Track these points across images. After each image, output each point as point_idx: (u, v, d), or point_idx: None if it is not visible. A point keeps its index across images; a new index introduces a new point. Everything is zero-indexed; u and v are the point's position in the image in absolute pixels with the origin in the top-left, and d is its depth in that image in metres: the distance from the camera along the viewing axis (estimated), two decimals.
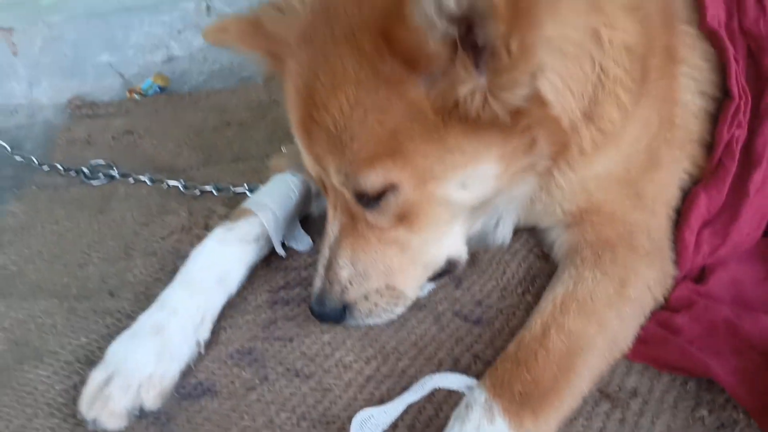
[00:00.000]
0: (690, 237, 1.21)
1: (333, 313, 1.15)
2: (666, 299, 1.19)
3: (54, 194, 1.69)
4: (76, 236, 1.52)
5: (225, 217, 1.48)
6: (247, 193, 1.59)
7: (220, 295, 1.22)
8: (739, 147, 1.24)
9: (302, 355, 1.18)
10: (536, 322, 1.10)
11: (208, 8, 2.17)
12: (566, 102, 1.03)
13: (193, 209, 1.54)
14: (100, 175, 1.74)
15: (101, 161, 1.78)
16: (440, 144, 1.00)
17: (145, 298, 1.30)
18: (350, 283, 1.13)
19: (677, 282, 1.21)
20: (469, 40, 0.89)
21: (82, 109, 2.07)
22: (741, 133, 1.24)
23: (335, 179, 1.08)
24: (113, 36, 2.12)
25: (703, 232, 1.23)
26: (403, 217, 1.08)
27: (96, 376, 1.07)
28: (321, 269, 1.16)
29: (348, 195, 1.09)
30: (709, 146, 1.27)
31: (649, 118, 1.18)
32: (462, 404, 1.01)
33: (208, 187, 1.64)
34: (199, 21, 2.17)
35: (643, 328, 1.14)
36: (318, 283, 1.16)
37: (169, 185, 1.67)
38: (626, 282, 1.14)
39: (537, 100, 0.98)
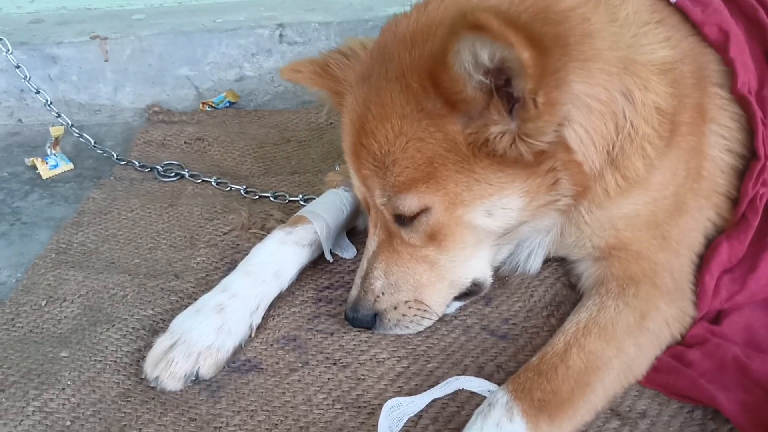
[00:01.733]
0: (710, 281, 1.28)
1: (365, 320, 1.27)
2: (683, 336, 1.26)
3: (130, 186, 1.87)
4: (147, 224, 1.69)
5: (280, 221, 1.64)
6: (301, 202, 1.75)
7: (274, 287, 1.36)
8: (762, 204, 1.31)
9: (341, 347, 1.30)
10: (559, 340, 1.19)
11: (281, 36, 2.36)
12: (588, 152, 1.15)
13: (252, 211, 1.70)
14: (172, 173, 1.91)
15: (174, 162, 1.96)
16: (470, 174, 1.13)
17: (206, 282, 1.46)
18: (382, 294, 1.26)
19: (695, 322, 1.28)
20: (506, 89, 1.03)
21: (159, 114, 2.27)
22: (765, 191, 1.31)
23: (378, 200, 1.21)
24: (194, 53, 2.32)
25: (723, 278, 1.30)
26: (434, 238, 1.20)
27: (162, 342, 1.22)
28: (358, 279, 1.30)
29: (387, 214, 1.23)
30: (735, 200, 1.35)
31: (677, 168, 1.28)
32: (485, 403, 1.12)
33: (266, 194, 1.80)
34: (272, 47, 2.37)
35: (657, 359, 1.22)
36: (354, 291, 1.30)
37: (232, 188, 1.83)
38: (646, 315, 1.22)
39: (562, 145, 1.11)
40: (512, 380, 1.14)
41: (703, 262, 1.32)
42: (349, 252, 1.54)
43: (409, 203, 1.16)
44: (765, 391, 1.14)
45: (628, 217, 1.29)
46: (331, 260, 1.49)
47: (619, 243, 1.30)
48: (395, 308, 1.27)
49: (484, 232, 1.21)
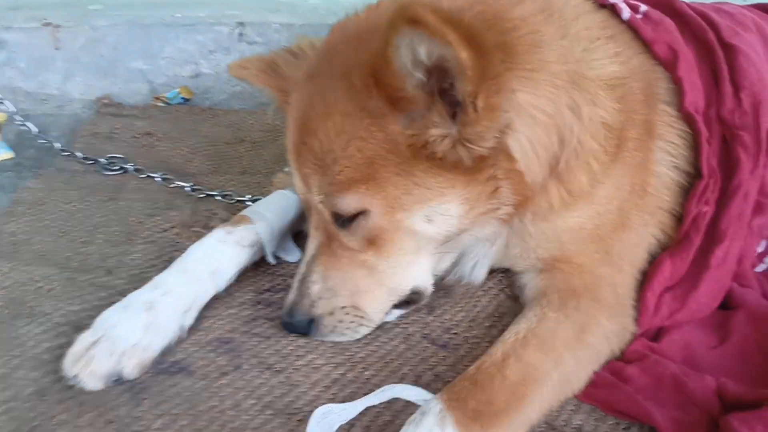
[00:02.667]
0: (652, 298, 1.28)
1: (300, 325, 1.24)
2: (622, 352, 1.25)
3: (70, 178, 1.80)
4: (84, 217, 1.62)
5: (225, 220, 1.58)
6: (249, 202, 1.69)
7: (210, 287, 1.31)
8: (705, 222, 1.32)
9: (276, 352, 1.26)
10: (498, 350, 1.17)
11: (240, 34, 2.32)
12: (531, 163, 1.13)
13: (197, 209, 1.65)
14: (116, 167, 1.84)
15: (118, 155, 1.89)
16: (409, 177, 1.11)
17: (139, 280, 1.38)
18: (319, 299, 1.23)
19: (635, 338, 1.28)
20: (451, 92, 1.02)
21: (109, 107, 2.20)
22: (708, 210, 1.32)
23: (316, 198, 1.19)
24: (150, 46, 2.27)
25: (664, 295, 1.30)
26: (373, 242, 1.18)
27: (84, 338, 1.15)
28: (296, 283, 1.26)
29: (326, 215, 1.20)
30: (680, 217, 1.36)
31: (622, 183, 1.28)
32: (418, 411, 1.08)
33: (213, 192, 1.74)
34: (230, 45, 2.33)
35: (595, 373, 1.21)
36: (291, 295, 1.26)
37: (177, 185, 1.77)
38: (586, 328, 1.21)
39: (504, 153, 1.10)
40: (447, 389, 1.11)
41: (645, 279, 1.32)
42: (293, 255, 1.49)
43: (348, 203, 1.14)
44: (700, 410, 1.14)
45: (573, 230, 1.29)
46: (274, 263, 1.45)
47: (563, 256, 1.30)
48: (332, 314, 1.23)
49: (425, 238, 1.19)
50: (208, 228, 1.56)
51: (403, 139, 1.08)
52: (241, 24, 2.31)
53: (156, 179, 1.80)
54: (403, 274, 1.23)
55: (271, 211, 1.43)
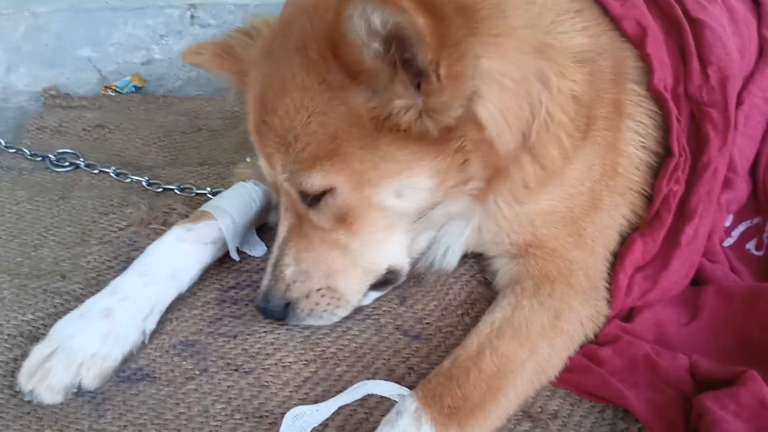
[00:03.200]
0: (624, 279, 1.28)
1: (276, 310, 1.20)
2: (596, 336, 1.25)
3: (18, 177, 1.70)
4: (34, 218, 1.54)
5: (184, 216, 1.52)
6: (209, 195, 1.63)
7: (171, 289, 1.26)
8: (676, 201, 1.32)
9: (244, 351, 1.22)
10: (473, 342, 1.15)
11: (192, 17, 2.23)
12: (502, 131, 1.09)
13: (154, 204, 1.57)
14: (66, 163, 1.75)
15: (68, 150, 1.80)
16: (374, 151, 1.07)
17: (96, 283, 1.33)
18: (294, 282, 1.19)
19: (608, 321, 1.28)
20: (414, 62, 0.98)
21: (57, 98, 2.08)
22: (678, 189, 1.32)
23: (281, 177, 1.14)
24: (96, 32, 2.15)
25: (635, 275, 1.30)
26: (343, 220, 1.15)
27: (39, 350, 1.10)
28: (269, 267, 1.22)
29: (294, 194, 1.16)
30: (649, 197, 1.35)
31: (593, 164, 1.27)
32: (393, 410, 1.06)
33: (171, 186, 1.67)
34: (183, 28, 2.23)
35: (570, 358, 1.21)
36: (265, 281, 1.22)
37: (132, 180, 1.70)
38: (561, 315, 1.20)
39: (473, 123, 1.06)
40: (422, 386, 1.09)
41: (617, 260, 1.32)
42: (258, 250, 1.44)
43: (313, 182, 1.10)
44: (673, 389, 1.14)
45: (545, 213, 1.27)
46: (238, 259, 1.40)
47: (536, 240, 1.28)
48: (307, 297, 1.20)
49: (396, 214, 1.16)
50: (167, 225, 1.50)
51: (365, 112, 1.04)
52: (192, 6, 2.21)
53: (109, 174, 1.72)
54: (377, 253, 1.20)
55: (232, 206, 1.38)
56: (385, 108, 1.03)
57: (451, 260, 1.36)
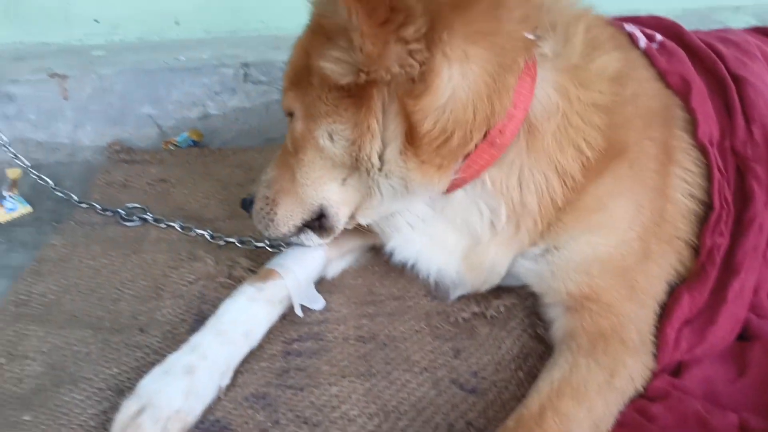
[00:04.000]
0: (671, 333, 1.32)
1: (246, 203, 1.51)
2: (645, 389, 1.29)
3: (91, 231, 1.83)
4: (110, 273, 1.65)
5: (248, 269, 1.64)
6: (268, 248, 1.74)
7: (244, 347, 1.35)
8: (720, 255, 1.36)
9: (311, 404, 1.30)
10: (534, 401, 1.21)
11: (245, 75, 2.36)
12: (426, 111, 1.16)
13: (219, 258, 1.68)
14: (135, 217, 1.88)
15: (137, 204, 1.92)
16: (316, 89, 1.23)
17: (172, 336, 1.44)
18: (262, 185, 1.45)
19: (656, 374, 1.31)
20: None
21: (120, 153, 2.22)
22: (722, 242, 1.36)
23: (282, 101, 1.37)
24: (156, 91, 2.30)
25: (683, 329, 1.34)
26: (296, 147, 1.32)
27: (129, 406, 1.18)
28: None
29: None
30: (695, 247, 1.39)
31: (642, 205, 1.32)
32: None
33: (232, 239, 1.78)
34: (236, 86, 2.36)
35: (621, 413, 1.25)
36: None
37: (197, 233, 1.81)
38: (615, 373, 1.25)
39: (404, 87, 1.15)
40: None
41: (665, 313, 1.35)
42: (317, 303, 1.53)
43: (286, 102, 1.33)
44: None
45: (602, 261, 1.31)
46: (302, 315, 1.49)
47: (592, 292, 1.32)
48: (260, 200, 1.44)
49: (329, 158, 1.28)
50: (232, 278, 1.62)
51: (317, 58, 1.21)
52: (245, 65, 2.34)
53: (175, 228, 1.83)
54: (312, 188, 1.34)
55: (297, 264, 1.47)
56: (321, 59, 1.19)
57: (497, 278, 1.43)
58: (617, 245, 1.31)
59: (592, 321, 1.30)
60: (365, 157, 1.23)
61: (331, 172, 1.31)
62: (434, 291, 1.54)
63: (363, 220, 1.40)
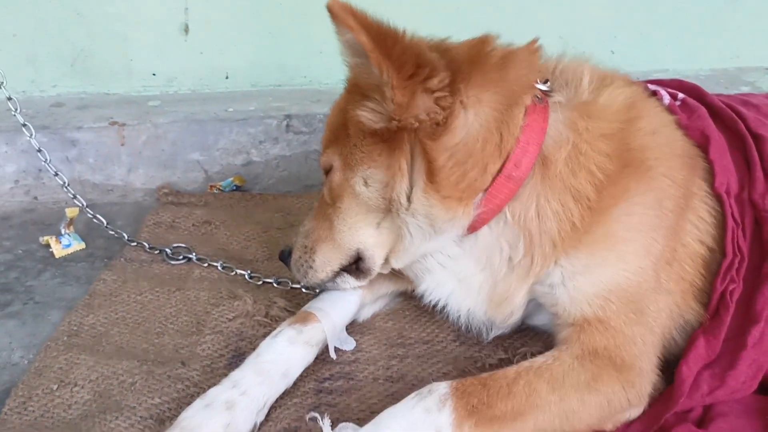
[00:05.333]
0: (687, 372, 1.34)
1: (284, 252, 1.62)
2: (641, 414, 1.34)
3: (139, 268, 1.94)
4: (156, 307, 1.75)
5: (284, 309, 1.72)
6: (303, 289, 1.82)
7: (281, 386, 1.42)
8: (734, 300, 1.39)
9: None
10: (512, 369, 1.31)
11: (288, 126, 2.51)
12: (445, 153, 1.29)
13: (257, 297, 1.76)
14: (180, 256, 1.99)
15: (182, 244, 2.04)
16: (353, 140, 1.37)
17: (211, 370, 1.52)
18: (300, 236, 1.55)
19: (677, 420, 1.33)
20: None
21: (169, 196, 2.36)
22: (735, 288, 1.39)
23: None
24: (205, 139, 2.46)
25: (703, 373, 1.36)
26: (334, 197, 1.44)
27: None
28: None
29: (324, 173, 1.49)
30: (700, 290, 1.44)
31: (656, 239, 1.37)
32: (426, 387, 1.25)
33: (269, 280, 1.87)
34: (279, 135, 2.51)
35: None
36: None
37: (237, 273, 1.91)
38: (598, 378, 1.30)
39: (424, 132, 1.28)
40: (458, 381, 1.26)
41: (682, 355, 1.38)
42: (349, 345, 1.60)
43: (325, 158, 1.46)
44: None
45: (621, 289, 1.35)
46: (335, 358, 1.55)
47: (604, 316, 1.36)
48: (299, 249, 1.54)
49: (364, 203, 1.39)
50: (268, 317, 1.70)
51: (353, 110, 1.34)
52: (288, 116, 2.49)
53: (217, 268, 1.94)
54: (349, 234, 1.44)
55: (333, 308, 1.55)
56: (357, 109, 1.33)
57: (518, 312, 1.48)
58: (635, 272, 1.36)
59: (589, 336, 1.35)
60: (396, 198, 1.34)
61: (366, 217, 1.41)
62: (467, 332, 1.60)
63: (396, 264, 1.48)
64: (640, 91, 1.50)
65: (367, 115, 1.31)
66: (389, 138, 1.32)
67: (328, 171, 1.46)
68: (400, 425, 1.20)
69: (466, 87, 1.27)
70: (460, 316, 1.52)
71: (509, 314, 1.47)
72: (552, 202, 1.34)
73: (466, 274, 1.46)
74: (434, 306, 1.56)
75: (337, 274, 1.53)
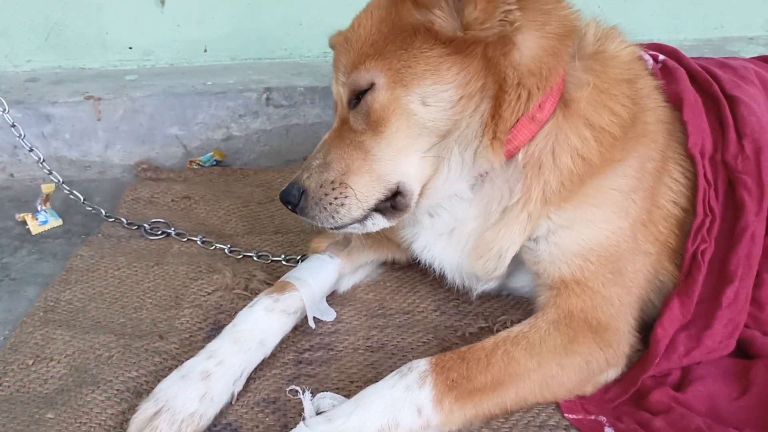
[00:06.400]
0: (662, 333, 1.36)
1: (291, 192, 1.34)
2: (619, 376, 1.36)
3: (117, 244, 1.92)
4: (134, 282, 1.73)
5: (264, 282, 1.71)
6: (283, 262, 1.82)
7: (259, 355, 1.41)
8: (705, 260, 1.40)
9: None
10: (490, 340, 1.31)
11: (268, 99, 2.47)
12: (527, 56, 1.26)
13: (236, 271, 1.75)
14: (159, 231, 1.97)
15: (161, 219, 2.02)
16: (410, 50, 1.24)
17: (189, 344, 1.50)
18: (315, 172, 1.33)
19: (656, 383, 1.35)
20: None
21: (148, 171, 2.33)
22: (707, 248, 1.41)
23: (340, 81, 1.34)
24: (184, 113, 2.41)
25: (679, 334, 1.39)
26: (373, 121, 1.28)
27: (146, 408, 1.23)
28: (303, 163, 1.38)
29: (345, 97, 1.33)
30: (674, 250, 1.45)
31: (634, 200, 1.38)
32: (406, 365, 1.24)
33: (250, 253, 1.86)
34: (258, 109, 2.47)
35: (624, 425, 1.27)
36: (297, 174, 1.37)
37: (216, 247, 1.89)
38: (574, 340, 1.31)
39: (502, 42, 1.24)
40: (437, 356, 1.27)
41: (657, 317, 1.40)
42: (329, 315, 1.59)
43: (360, 77, 1.28)
44: None
45: (601, 246, 1.35)
46: (314, 327, 1.54)
47: (582, 276, 1.36)
48: (321, 186, 1.31)
49: (418, 125, 1.27)
50: (248, 290, 1.68)
51: (410, 19, 1.25)
52: (268, 89, 2.45)
53: (196, 242, 1.92)
54: (392, 163, 1.29)
55: (312, 277, 1.53)
56: (427, 15, 1.23)
57: (503, 263, 1.43)
58: (614, 231, 1.36)
59: (566, 299, 1.35)
60: (465, 119, 1.26)
61: (415, 143, 1.29)
62: (455, 288, 1.58)
63: (425, 201, 1.37)
64: (638, 50, 1.50)
65: (442, 22, 1.22)
66: (462, 50, 1.23)
67: (360, 91, 1.28)
68: (381, 403, 1.19)
69: (531, 4, 1.26)
70: (446, 269, 1.50)
71: (492, 268, 1.42)
72: (571, 137, 1.31)
73: (460, 223, 1.42)
74: (424, 264, 1.54)
75: (368, 213, 1.35)
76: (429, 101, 1.25)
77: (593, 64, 1.36)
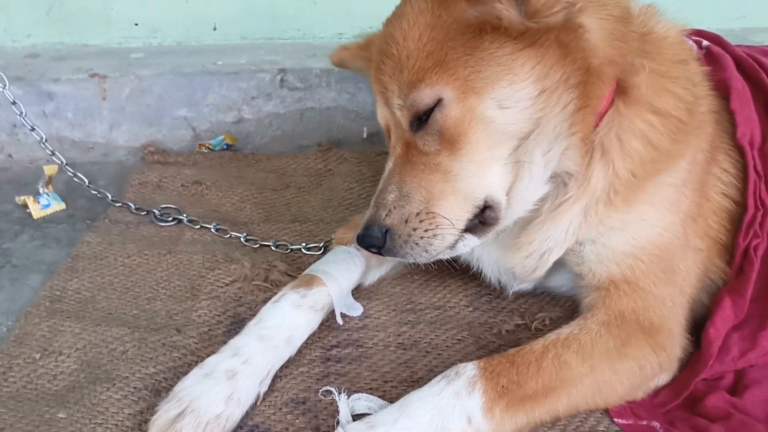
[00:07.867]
0: (714, 333, 1.29)
1: (375, 236, 1.22)
2: (670, 380, 1.29)
3: (125, 230, 1.81)
4: (145, 271, 1.63)
5: (285, 273, 1.61)
6: (304, 251, 1.72)
7: (286, 353, 1.32)
8: (758, 255, 1.34)
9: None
10: (539, 343, 1.22)
11: (282, 81, 2.35)
12: (598, 39, 1.17)
13: (255, 261, 1.64)
14: (170, 218, 1.86)
15: (171, 205, 1.91)
16: (477, 53, 1.13)
17: (208, 338, 1.40)
18: (394, 207, 1.21)
19: (708, 388, 1.28)
20: None
21: (155, 155, 2.22)
22: (759, 243, 1.34)
23: (396, 104, 1.21)
24: (193, 94, 2.29)
25: (732, 335, 1.31)
26: (447, 139, 1.17)
27: (168, 409, 1.14)
28: (373, 201, 1.26)
29: (404, 122, 1.21)
30: (725, 246, 1.38)
31: (685, 195, 1.31)
32: (452, 369, 1.15)
33: (267, 243, 1.75)
34: (272, 91, 2.35)
35: (679, 431, 1.20)
36: (368, 212, 1.25)
37: (231, 236, 1.79)
38: (627, 343, 1.23)
39: (573, 28, 1.14)
40: (486, 360, 1.17)
41: (708, 316, 1.33)
42: (356, 310, 1.49)
43: (423, 95, 1.16)
44: None
45: (653, 244, 1.28)
46: (342, 323, 1.45)
47: (633, 276, 1.28)
48: (406, 222, 1.20)
49: (497, 132, 1.17)
50: (268, 281, 1.58)
51: (470, 19, 1.14)
52: (282, 70, 2.34)
53: (210, 230, 1.81)
54: (476, 178, 1.19)
55: (339, 271, 1.44)
56: (489, 11, 1.12)
57: (545, 264, 1.34)
58: (666, 228, 1.29)
59: (616, 300, 1.27)
60: (549, 114, 1.16)
61: (496, 151, 1.18)
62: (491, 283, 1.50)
63: (512, 213, 1.27)
64: (683, 32, 1.41)
65: (510, 15, 1.11)
66: (534, 42, 1.13)
67: (424, 112, 1.17)
68: (428, 410, 1.09)
69: None
70: (484, 265, 1.43)
71: (532, 267, 1.34)
72: (637, 123, 1.23)
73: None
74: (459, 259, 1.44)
75: (459, 236, 1.24)
76: (506, 103, 1.15)
77: (645, 46, 1.27)
